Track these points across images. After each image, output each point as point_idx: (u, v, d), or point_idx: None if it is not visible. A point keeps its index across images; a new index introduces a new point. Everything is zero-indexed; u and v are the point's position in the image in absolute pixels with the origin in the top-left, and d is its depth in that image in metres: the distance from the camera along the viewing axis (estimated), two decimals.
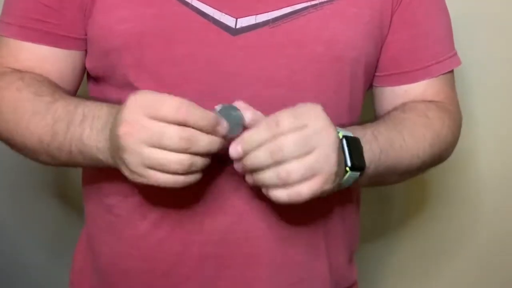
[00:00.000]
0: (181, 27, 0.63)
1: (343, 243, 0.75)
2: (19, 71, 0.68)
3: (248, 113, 0.58)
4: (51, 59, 0.69)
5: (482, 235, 1.17)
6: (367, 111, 0.76)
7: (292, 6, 0.65)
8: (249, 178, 0.58)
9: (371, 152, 0.62)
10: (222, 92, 0.64)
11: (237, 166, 0.58)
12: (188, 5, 0.64)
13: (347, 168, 0.59)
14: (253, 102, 0.62)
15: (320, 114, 0.56)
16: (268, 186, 0.56)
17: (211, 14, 0.64)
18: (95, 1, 0.65)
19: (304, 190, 0.54)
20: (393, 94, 0.74)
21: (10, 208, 1.24)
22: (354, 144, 0.60)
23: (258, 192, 0.64)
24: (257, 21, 0.64)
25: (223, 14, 0.64)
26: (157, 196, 0.66)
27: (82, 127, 0.61)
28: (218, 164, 0.62)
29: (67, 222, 1.24)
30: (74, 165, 0.67)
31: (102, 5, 0.65)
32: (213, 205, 0.66)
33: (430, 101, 0.74)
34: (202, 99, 0.62)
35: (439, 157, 0.74)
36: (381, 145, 0.64)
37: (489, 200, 1.16)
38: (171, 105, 0.54)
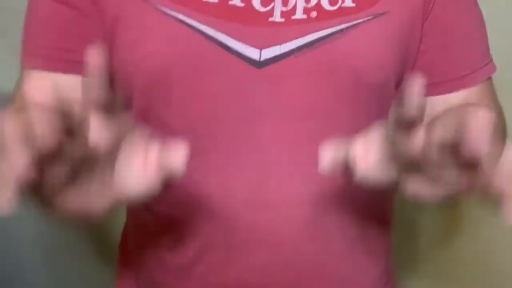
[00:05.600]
0: (207, 63, 0.61)
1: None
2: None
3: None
4: (75, 87, 0.61)
5: (483, 233, 1.17)
6: None
7: (317, 33, 0.61)
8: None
9: None
10: (254, 128, 0.62)
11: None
12: (212, 39, 0.60)
13: None
14: (287, 136, 0.62)
15: None
16: None
17: (235, 48, 0.60)
18: (115, 37, 0.62)
19: None
20: (430, 103, 0.65)
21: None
22: None
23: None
24: (282, 51, 0.61)
25: (247, 46, 0.61)
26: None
27: None
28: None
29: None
30: None
31: (124, 42, 0.61)
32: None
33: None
34: (233, 135, 0.61)
35: None
36: None
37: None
38: None
